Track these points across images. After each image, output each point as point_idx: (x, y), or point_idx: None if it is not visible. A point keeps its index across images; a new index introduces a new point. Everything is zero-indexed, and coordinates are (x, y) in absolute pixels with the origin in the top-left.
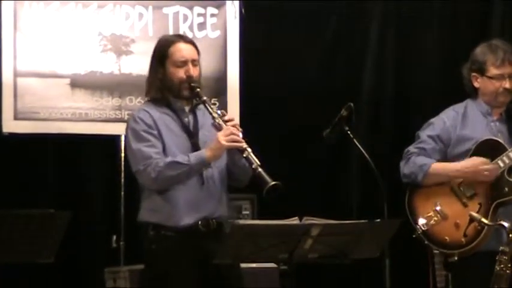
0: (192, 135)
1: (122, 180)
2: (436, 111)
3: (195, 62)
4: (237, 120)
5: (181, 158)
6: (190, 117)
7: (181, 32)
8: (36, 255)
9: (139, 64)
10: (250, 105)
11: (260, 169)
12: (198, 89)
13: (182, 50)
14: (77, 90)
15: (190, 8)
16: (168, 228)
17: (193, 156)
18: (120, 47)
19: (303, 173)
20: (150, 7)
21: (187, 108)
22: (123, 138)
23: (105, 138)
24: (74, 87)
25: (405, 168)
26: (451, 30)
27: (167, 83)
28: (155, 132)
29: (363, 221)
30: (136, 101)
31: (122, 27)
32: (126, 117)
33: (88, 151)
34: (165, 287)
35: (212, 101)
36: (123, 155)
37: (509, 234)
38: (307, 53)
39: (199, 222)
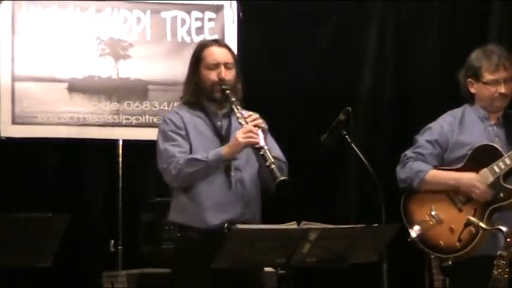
0: (223, 139)
1: (120, 184)
2: (435, 113)
3: (228, 65)
4: (259, 120)
5: (200, 155)
6: (224, 122)
7: (178, 37)
8: (34, 259)
9: (137, 68)
10: (249, 107)
11: (273, 166)
12: (228, 91)
13: (215, 54)
14: (74, 95)
15: (188, 13)
16: (193, 229)
17: (212, 153)
18: (118, 51)
19: (301, 175)
20: (148, 11)
21: (221, 113)
22: (120, 142)
23: (103, 143)
24: (71, 91)
25: (402, 172)
26: (450, 30)
27: (201, 86)
28: (183, 132)
29: (360, 225)
30: (134, 106)
31: (120, 32)
32: (124, 121)
33: (86, 155)
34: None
35: None
36: (120, 159)
37: (507, 239)
38: (307, 53)
39: (225, 225)
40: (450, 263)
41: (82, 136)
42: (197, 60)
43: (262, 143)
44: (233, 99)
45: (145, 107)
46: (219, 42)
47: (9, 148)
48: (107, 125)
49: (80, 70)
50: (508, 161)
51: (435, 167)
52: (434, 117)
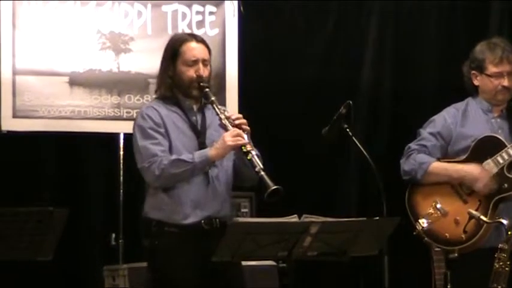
0: (200, 134)
1: (121, 178)
2: (434, 105)
3: (205, 62)
4: (242, 120)
5: (185, 156)
6: (199, 116)
7: (179, 30)
8: (34, 252)
9: (138, 62)
10: (249, 102)
11: (263, 172)
12: (207, 89)
13: (193, 49)
14: (75, 88)
15: (189, 6)
16: (171, 225)
17: (198, 155)
18: (118, 45)
19: (302, 169)
20: (149, 5)
21: (195, 107)
22: (121, 136)
23: (104, 136)
24: (72, 85)
25: (405, 165)
26: (450, 23)
27: (177, 81)
28: (162, 130)
29: (361, 218)
30: (135, 99)
31: (121, 25)
32: (124, 115)
33: (87, 149)
34: (166, 282)
35: None
36: (122, 153)
37: (508, 232)
38: (307, 47)
39: (203, 221)
40: (456, 254)
41: (83, 130)
42: (174, 54)
43: (249, 147)
44: (213, 98)
45: (146, 100)
46: (197, 38)
47: (10, 142)
48: (107, 118)
49: (80, 64)
50: (511, 152)
51: (439, 159)
52: (433, 110)
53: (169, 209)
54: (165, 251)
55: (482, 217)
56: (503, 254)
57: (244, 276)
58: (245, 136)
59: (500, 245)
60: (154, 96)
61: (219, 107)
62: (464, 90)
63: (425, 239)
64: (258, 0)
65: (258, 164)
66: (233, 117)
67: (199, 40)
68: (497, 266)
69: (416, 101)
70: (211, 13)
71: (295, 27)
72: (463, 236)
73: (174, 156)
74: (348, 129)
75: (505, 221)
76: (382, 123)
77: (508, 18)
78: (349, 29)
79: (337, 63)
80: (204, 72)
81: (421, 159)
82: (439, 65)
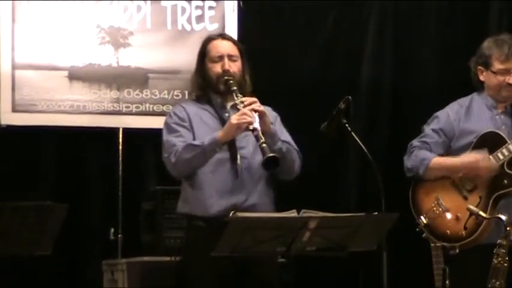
0: None
1: (120, 173)
2: (433, 103)
3: (233, 58)
4: (257, 104)
5: (197, 141)
6: (232, 113)
7: (179, 25)
8: (33, 247)
9: (137, 57)
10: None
11: (264, 145)
12: (231, 82)
13: (218, 46)
14: (74, 83)
15: (189, 1)
16: (198, 218)
17: (208, 138)
18: (118, 39)
19: (303, 166)
20: (149, 0)
21: (228, 105)
22: (121, 130)
23: (103, 131)
24: (71, 79)
25: (408, 162)
26: (449, 22)
27: (207, 79)
28: (186, 124)
29: (360, 214)
30: (134, 94)
31: (120, 20)
32: (124, 109)
33: (86, 143)
34: (193, 281)
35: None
36: (121, 147)
37: (506, 228)
38: (307, 43)
39: (231, 212)
40: (457, 251)
41: (82, 124)
42: (203, 54)
43: (256, 124)
44: (234, 87)
45: (146, 95)
46: (224, 36)
47: (9, 136)
48: (107, 113)
49: (80, 58)
50: (511, 148)
51: (441, 155)
52: (432, 107)
53: (194, 200)
54: (191, 246)
55: (481, 213)
56: (501, 250)
57: (276, 270)
58: (255, 116)
59: (498, 240)
60: (177, 92)
61: (239, 95)
62: (463, 88)
63: (424, 234)
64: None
65: (261, 138)
66: (246, 102)
67: (226, 38)
68: (495, 261)
69: (414, 97)
70: (210, 8)
71: (296, 26)
72: (463, 232)
73: (186, 142)
74: (347, 125)
75: (503, 217)
76: (381, 118)
77: (506, 18)
78: (349, 26)
79: (337, 59)
80: (231, 67)
81: (423, 155)
82: (438, 63)
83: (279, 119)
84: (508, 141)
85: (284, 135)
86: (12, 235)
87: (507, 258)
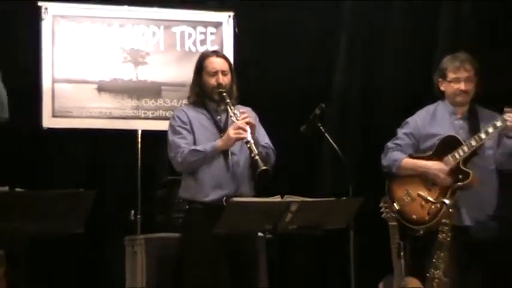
0: (222, 130)
1: (139, 166)
2: (395, 109)
3: (225, 72)
4: (249, 118)
5: (200, 147)
6: (223, 116)
7: (186, 47)
8: (69, 226)
9: (153, 73)
10: (243, 103)
11: (257, 157)
12: (224, 94)
13: (214, 63)
14: (102, 94)
15: (194, 28)
16: (197, 203)
17: (209, 145)
18: (137, 58)
19: (285, 159)
20: (162, 27)
21: (220, 110)
22: (139, 132)
23: (125, 133)
24: (100, 91)
25: (384, 160)
26: (409, 42)
27: (203, 88)
28: (187, 126)
29: (332, 198)
30: (150, 102)
31: (139, 43)
32: (142, 115)
33: (111, 143)
34: (194, 250)
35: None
36: (139, 146)
37: (449, 210)
38: (290, 60)
39: (223, 199)
40: (422, 232)
41: (108, 127)
42: (200, 68)
43: (249, 137)
44: (228, 100)
45: (159, 103)
46: (217, 53)
47: (50, 136)
48: (128, 118)
49: (107, 74)
50: (465, 149)
51: (411, 155)
52: (394, 112)
53: (195, 189)
54: (192, 224)
55: (428, 197)
56: (445, 227)
57: (257, 243)
58: (247, 129)
59: (443, 220)
60: (185, 102)
61: (232, 107)
62: (424, 96)
63: (383, 215)
64: (250, 19)
65: (254, 150)
66: (240, 117)
67: (219, 55)
68: (440, 237)
69: (378, 104)
70: (212, 33)
71: (279, 44)
72: (426, 217)
73: (192, 147)
74: (321, 127)
75: (447, 201)
76: (350, 122)
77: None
78: (323, 44)
79: (314, 73)
80: (224, 80)
81: (395, 156)
82: (401, 73)
83: (257, 119)
84: (463, 144)
85: (261, 134)
86: (51, 217)
87: (449, 234)
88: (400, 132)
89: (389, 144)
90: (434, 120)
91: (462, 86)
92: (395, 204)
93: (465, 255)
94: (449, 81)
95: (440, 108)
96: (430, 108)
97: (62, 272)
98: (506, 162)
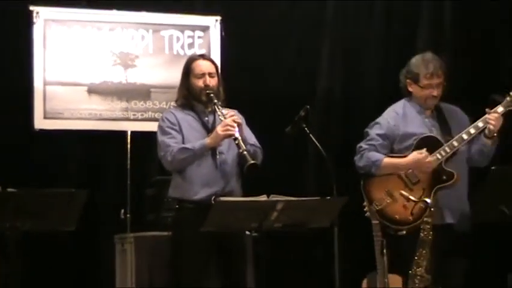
0: (209, 131)
1: (128, 166)
2: (374, 109)
3: (211, 74)
4: (236, 117)
5: (189, 145)
6: (210, 117)
7: (174, 50)
8: (61, 224)
9: (142, 75)
10: (231, 106)
11: (245, 152)
12: (212, 95)
13: (201, 66)
14: (92, 96)
15: (182, 32)
16: (187, 201)
17: (198, 143)
18: (126, 61)
19: (271, 159)
20: (151, 30)
21: (207, 111)
22: (129, 133)
23: (115, 134)
24: (90, 93)
25: (360, 162)
26: (386, 49)
27: (191, 91)
28: (176, 127)
29: (316, 197)
30: (140, 104)
31: (128, 46)
32: (131, 117)
33: (101, 143)
34: (184, 248)
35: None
36: (129, 146)
37: (430, 208)
38: (275, 64)
39: (212, 198)
40: (404, 232)
41: (98, 128)
42: (187, 71)
43: (237, 134)
44: (215, 101)
45: (148, 105)
46: (204, 56)
47: (42, 137)
48: (118, 119)
49: (97, 76)
50: (447, 149)
51: (388, 156)
52: (372, 114)
53: (184, 188)
54: (182, 221)
55: (410, 197)
56: (427, 226)
57: (245, 241)
58: (236, 127)
59: (424, 218)
60: (173, 103)
61: (219, 107)
62: (397, 97)
63: (367, 214)
64: (237, 23)
65: (242, 146)
66: (228, 115)
67: (206, 58)
68: (422, 235)
69: (358, 108)
70: (199, 37)
71: (265, 48)
72: (410, 218)
73: (181, 145)
74: (306, 128)
75: (428, 200)
76: (333, 123)
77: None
78: (307, 51)
79: (298, 77)
80: (211, 82)
81: (373, 156)
82: (377, 81)
83: (244, 120)
84: (444, 144)
85: (250, 136)
86: (45, 215)
87: (431, 232)
88: (372, 133)
89: (363, 145)
90: (406, 120)
91: (434, 92)
92: (374, 205)
93: (447, 250)
94: (422, 87)
95: (408, 108)
96: (397, 107)
97: (53, 270)
98: (476, 160)
